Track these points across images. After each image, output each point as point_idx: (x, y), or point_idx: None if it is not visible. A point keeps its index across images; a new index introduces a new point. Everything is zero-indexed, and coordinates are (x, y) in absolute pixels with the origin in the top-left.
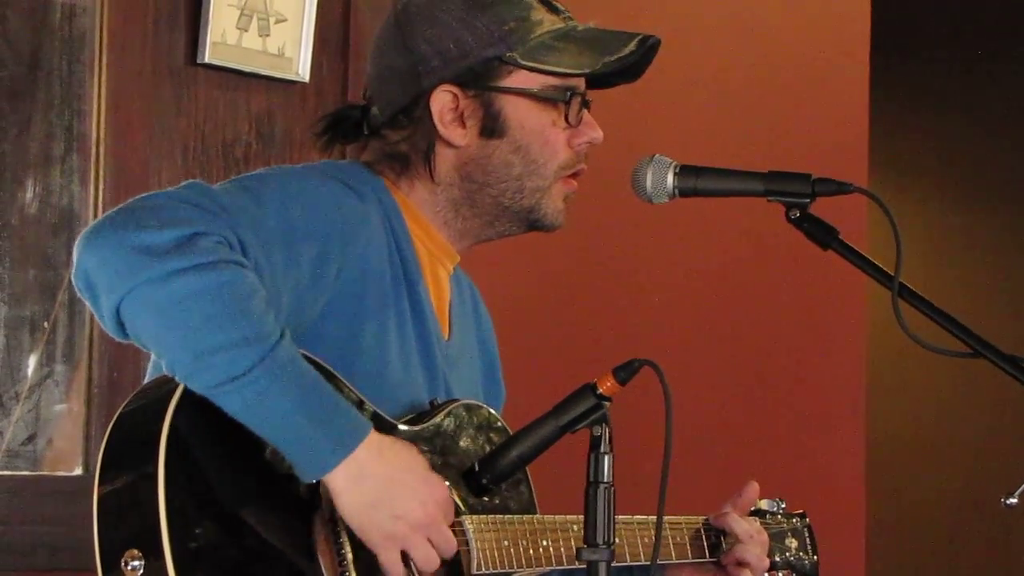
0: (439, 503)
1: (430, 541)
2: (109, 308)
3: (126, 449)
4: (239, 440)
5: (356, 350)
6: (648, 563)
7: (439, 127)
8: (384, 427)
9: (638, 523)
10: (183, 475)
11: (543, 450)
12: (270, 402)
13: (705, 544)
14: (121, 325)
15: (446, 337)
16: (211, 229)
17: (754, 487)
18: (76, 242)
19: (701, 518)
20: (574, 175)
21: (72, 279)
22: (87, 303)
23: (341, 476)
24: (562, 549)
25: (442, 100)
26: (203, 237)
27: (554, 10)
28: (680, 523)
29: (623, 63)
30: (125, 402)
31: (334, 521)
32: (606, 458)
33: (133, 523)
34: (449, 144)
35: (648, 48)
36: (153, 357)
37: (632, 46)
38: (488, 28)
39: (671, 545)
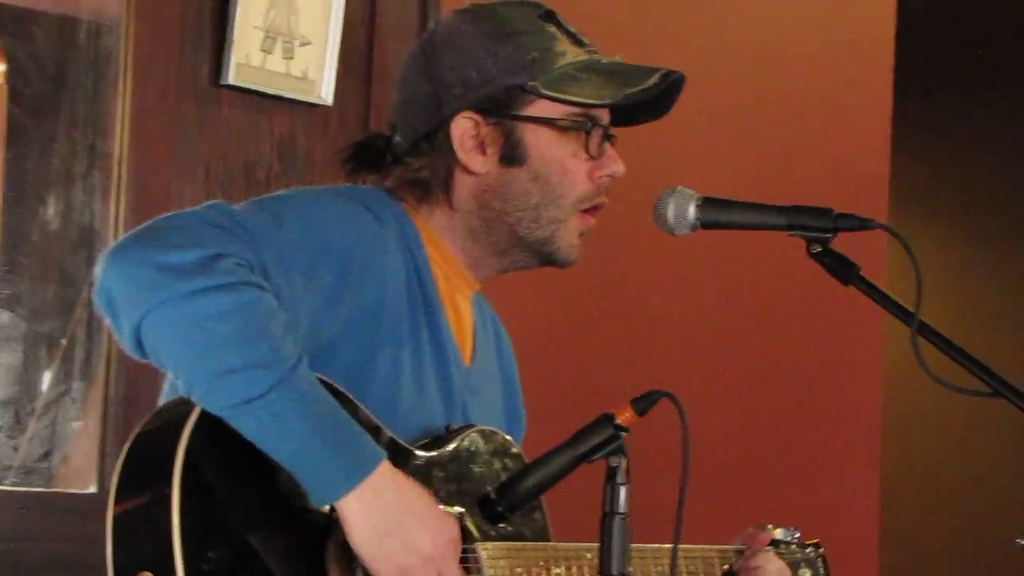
0: (451, 540)
1: None
2: (129, 326)
3: (142, 470)
4: (255, 465)
5: (369, 373)
6: None
7: (459, 153)
8: (400, 452)
9: (651, 552)
10: (198, 498)
11: (560, 479)
12: (285, 425)
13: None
14: (140, 344)
15: (467, 364)
16: (233, 251)
17: (767, 534)
18: (99, 259)
19: (715, 548)
20: (594, 209)
21: (94, 296)
22: (107, 320)
23: (354, 502)
24: None
25: (463, 127)
26: (225, 258)
27: (578, 42)
28: (695, 554)
29: (645, 95)
30: (142, 422)
31: (349, 547)
32: (623, 489)
33: (147, 545)
34: (468, 171)
35: (671, 83)
36: (168, 377)
37: (655, 79)
38: (511, 57)
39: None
